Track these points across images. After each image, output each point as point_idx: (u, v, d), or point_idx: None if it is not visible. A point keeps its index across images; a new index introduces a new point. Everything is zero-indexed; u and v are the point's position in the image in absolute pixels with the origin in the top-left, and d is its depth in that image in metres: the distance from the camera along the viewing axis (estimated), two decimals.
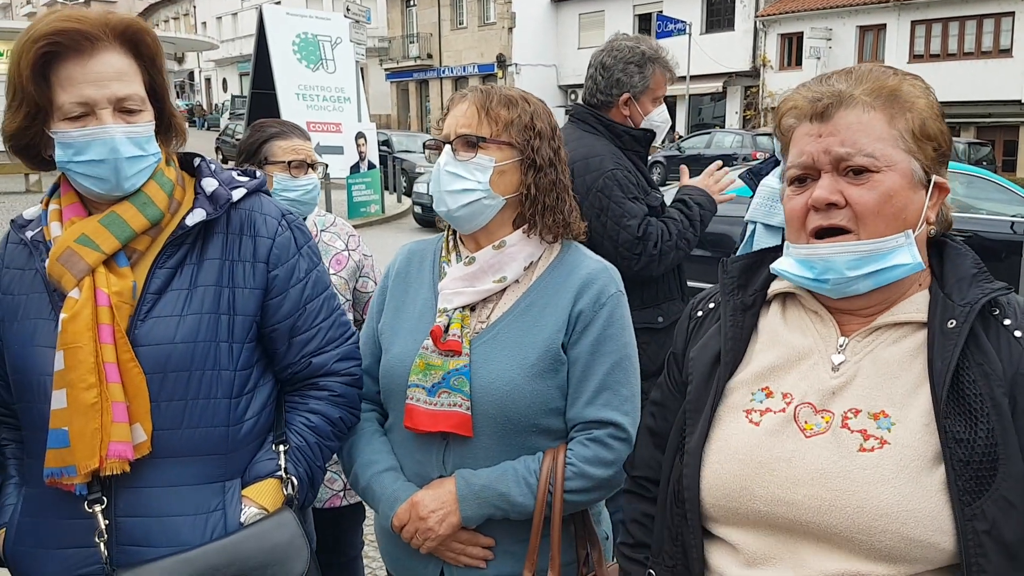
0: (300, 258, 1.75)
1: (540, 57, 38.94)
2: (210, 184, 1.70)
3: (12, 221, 1.73)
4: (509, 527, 1.79)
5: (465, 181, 1.79)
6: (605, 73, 3.13)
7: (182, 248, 1.65)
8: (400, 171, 20.79)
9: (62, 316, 1.54)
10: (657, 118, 3.17)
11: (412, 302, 1.93)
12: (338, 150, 16.63)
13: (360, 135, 16.95)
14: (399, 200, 19.75)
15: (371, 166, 17.24)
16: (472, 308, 1.84)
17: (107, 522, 1.57)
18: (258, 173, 1.81)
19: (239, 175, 1.77)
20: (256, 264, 1.69)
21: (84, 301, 1.54)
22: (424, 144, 1.92)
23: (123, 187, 1.60)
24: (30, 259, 1.66)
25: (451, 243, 1.93)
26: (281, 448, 1.72)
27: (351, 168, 16.73)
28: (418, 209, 16.96)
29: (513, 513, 1.75)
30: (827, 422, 1.29)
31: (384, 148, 20.78)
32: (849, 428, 1.26)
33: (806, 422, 1.30)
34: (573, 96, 39.80)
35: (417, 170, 20.27)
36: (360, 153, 16.86)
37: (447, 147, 1.81)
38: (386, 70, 46.11)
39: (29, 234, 1.67)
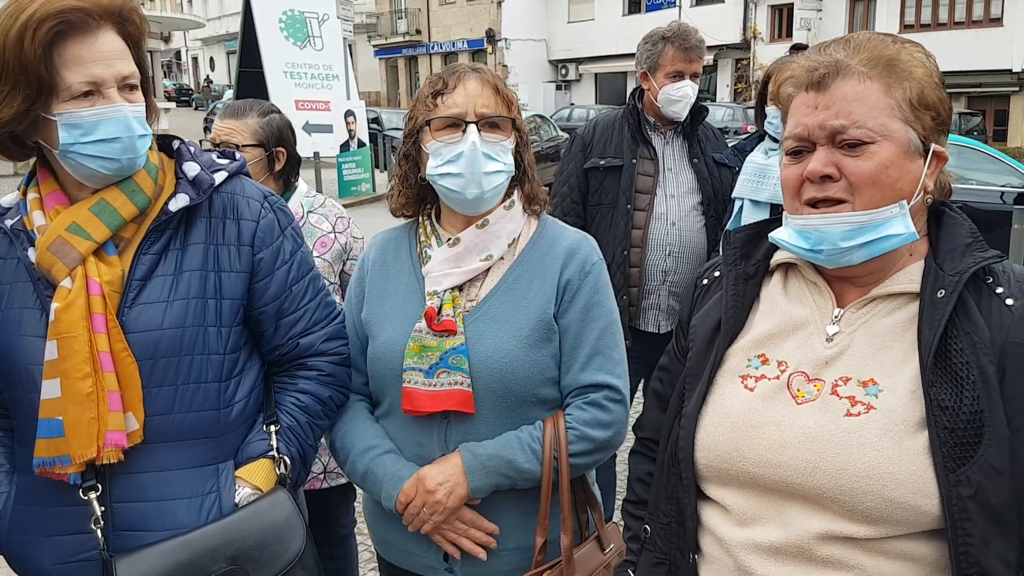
0: (284, 240, 1.75)
1: (530, 32, 38.68)
2: (192, 168, 1.69)
3: None
4: (514, 500, 1.81)
5: (496, 163, 1.81)
6: (637, 51, 3.50)
7: (165, 233, 1.64)
8: (391, 149, 20.69)
9: (55, 306, 1.53)
10: (674, 93, 3.38)
11: (394, 289, 1.93)
12: (327, 128, 16.53)
13: (349, 113, 16.84)
14: (390, 179, 19.52)
15: (361, 144, 17.15)
16: (459, 288, 1.85)
17: (103, 508, 1.57)
18: (238, 155, 1.80)
19: (219, 157, 1.76)
20: (241, 247, 1.68)
21: (77, 291, 1.53)
22: (429, 122, 1.83)
23: (133, 166, 1.59)
24: (11, 248, 1.65)
25: (428, 227, 1.94)
26: (272, 428, 1.73)
27: (341, 147, 16.64)
28: None
29: (520, 481, 1.77)
30: (818, 390, 1.31)
31: (374, 126, 20.69)
32: (838, 395, 1.29)
33: (798, 390, 1.33)
34: (563, 71, 39.59)
35: None
36: (350, 131, 16.76)
37: (473, 128, 1.79)
38: (374, 47, 45.77)
39: (8, 223, 1.65)
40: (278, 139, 2.76)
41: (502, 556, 1.82)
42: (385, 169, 19.98)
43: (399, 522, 1.83)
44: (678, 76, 3.37)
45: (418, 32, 43.16)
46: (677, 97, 3.37)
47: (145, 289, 1.60)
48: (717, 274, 1.54)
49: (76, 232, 1.56)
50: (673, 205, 3.42)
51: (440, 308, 1.80)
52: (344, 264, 2.84)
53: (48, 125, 1.55)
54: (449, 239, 1.87)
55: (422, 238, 1.93)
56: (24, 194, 1.67)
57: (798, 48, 3.21)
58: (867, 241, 1.27)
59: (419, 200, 1.96)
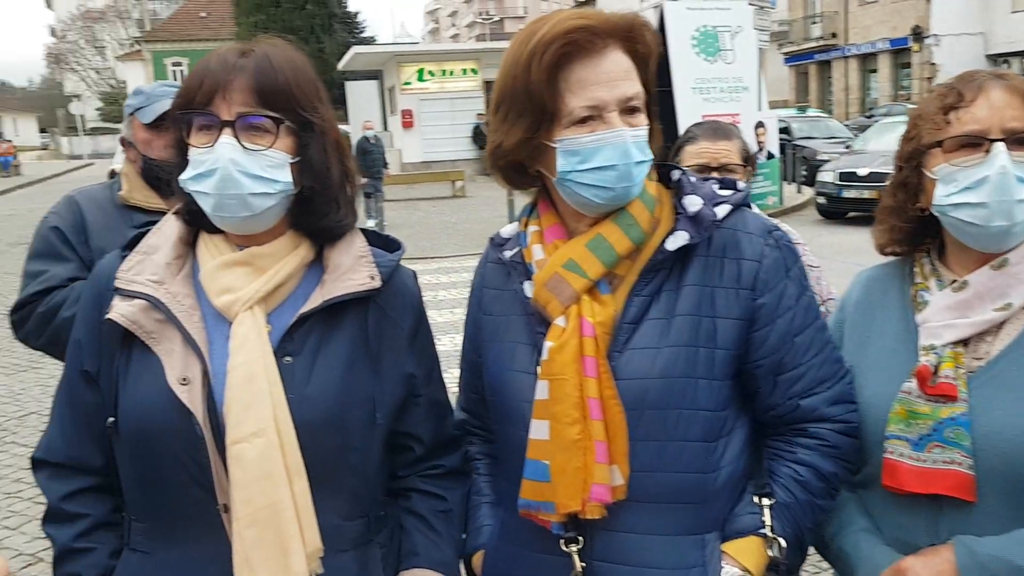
0: (788, 283, 1.52)
1: (963, 25, 34.65)
2: (693, 203, 1.53)
3: (491, 239, 1.73)
4: None
5: None
6: None
7: (660, 273, 1.50)
8: (800, 159, 19.90)
9: (548, 344, 1.48)
10: None
11: (879, 337, 1.65)
12: None
13: (760, 124, 16.41)
14: (799, 191, 19.04)
15: (770, 156, 16.63)
16: (964, 343, 1.53)
17: (583, 564, 1.49)
18: (739, 184, 1.61)
19: (719, 188, 1.59)
20: (740, 291, 1.49)
21: (571, 331, 1.46)
22: (940, 142, 1.53)
23: (627, 195, 1.49)
24: (508, 280, 1.63)
25: (928, 267, 1.63)
26: (765, 502, 1.51)
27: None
28: (821, 200, 16.14)
29: None
30: None
31: (783, 136, 19.97)
32: None
33: None
34: (1005, 65, 34.90)
35: (819, 157, 19.27)
36: (759, 143, 16.32)
37: (1000, 146, 1.46)
38: (784, 54, 44.52)
39: (507, 254, 1.64)
40: (747, 156, 2.69)
41: None
42: (793, 181, 19.25)
43: None
44: None
45: (833, 35, 41.17)
46: None
47: (636, 333, 1.48)
48: None
49: (572, 269, 1.49)
50: None
51: (937, 367, 1.51)
52: None
53: (548, 152, 1.50)
54: (953, 282, 1.56)
55: (918, 279, 1.64)
56: (524, 225, 1.64)
57: None
58: None
59: (915, 235, 1.65)
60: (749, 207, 1.59)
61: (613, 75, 1.44)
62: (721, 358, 1.48)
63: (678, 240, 1.49)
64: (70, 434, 1.55)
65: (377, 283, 1.54)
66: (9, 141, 41.87)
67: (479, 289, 1.72)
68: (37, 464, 1.58)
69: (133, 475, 1.50)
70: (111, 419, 1.49)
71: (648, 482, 1.46)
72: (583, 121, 1.45)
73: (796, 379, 1.52)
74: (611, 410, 1.44)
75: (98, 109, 68.07)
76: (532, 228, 1.60)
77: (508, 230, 1.70)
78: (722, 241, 1.52)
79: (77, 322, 1.58)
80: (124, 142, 2.62)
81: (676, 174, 1.60)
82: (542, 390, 1.47)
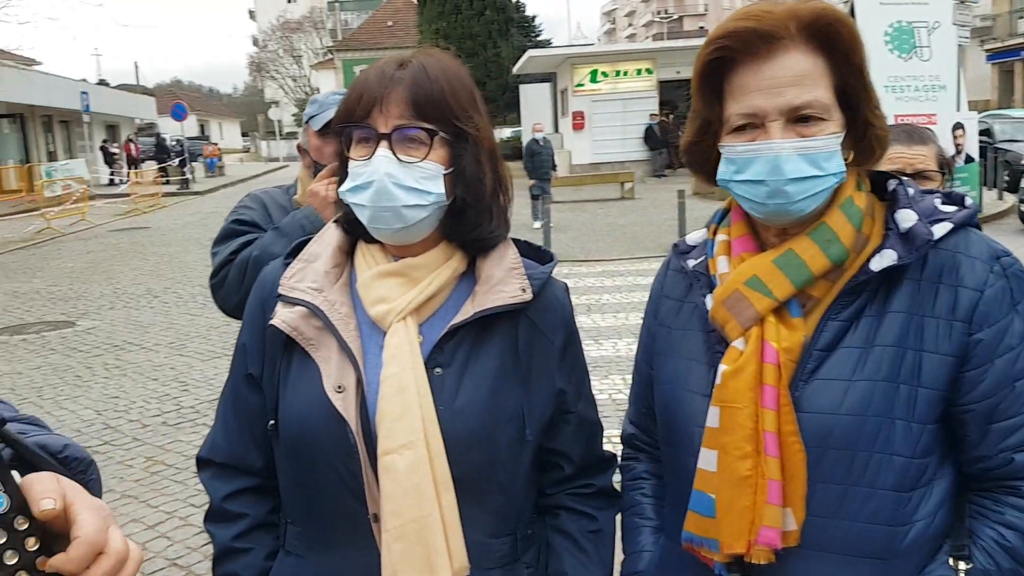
0: (1015, 317, 1.32)
1: None
2: (907, 218, 1.35)
3: (674, 246, 1.63)
4: None
5: None
6: None
7: (861, 296, 1.34)
8: (1002, 164, 18.44)
9: (723, 368, 1.36)
10: None
11: None
12: None
13: (958, 126, 15.25)
14: (1000, 197, 17.73)
15: (969, 160, 15.43)
16: None
17: None
18: (967, 200, 1.40)
19: (942, 203, 1.41)
20: (954, 323, 1.31)
21: (749, 355, 1.33)
22: None
23: (786, 213, 1.34)
24: (689, 291, 1.53)
25: None
26: (962, 566, 1.32)
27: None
28: None
29: None
30: None
31: (984, 138, 18.55)
32: None
33: None
34: None
35: (1023, 162, 17.81)
36: (957, 146, 15.19)
37: None
38: (987, 51, 41.23)
39: (691, 263, 1.53)
40: (943, 162, 2.47)
41: None
42: (994, 187, 17.87)
43: None
44: None
45: None
46: None
47: (827, 362, 1.33)
48: None
49: (755, 287, 1.36)
50: None
51: None
52: None
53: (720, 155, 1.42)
54: None
55: None
56: (713, 233, 1.54)
57: None
58: None
59: None
60: (977, 227, 1.39)
61: (779, 81, 1.31)
62: (924, 398, 1.31)
63: (884, 260, 1.33)
64: (233, 435, 1.60)
65: (528, 296, 1.50)
66: (215, 144, 45.54)
67: (657, 297, 1.63)
68: (201, 463, 1.64)
69: (290, 479, 1.53)
70: (271, 422, 1.52)
71: (826, 530, 1.32)
72: (742, 128, 1.35)
73: (1012, 429, 1.32)
74: (790, 447, 1.30)
75: (294, 115, 72.68)
76: (720, 237, 1.49)
77: (695, 237, 1.59)
78: (939, 264, 1.34)
79: (243, 326, 1.63)
80: (300, 149, 2.74)
81: (892, 184, 1.43)
82: (713, 417, 1.36)
